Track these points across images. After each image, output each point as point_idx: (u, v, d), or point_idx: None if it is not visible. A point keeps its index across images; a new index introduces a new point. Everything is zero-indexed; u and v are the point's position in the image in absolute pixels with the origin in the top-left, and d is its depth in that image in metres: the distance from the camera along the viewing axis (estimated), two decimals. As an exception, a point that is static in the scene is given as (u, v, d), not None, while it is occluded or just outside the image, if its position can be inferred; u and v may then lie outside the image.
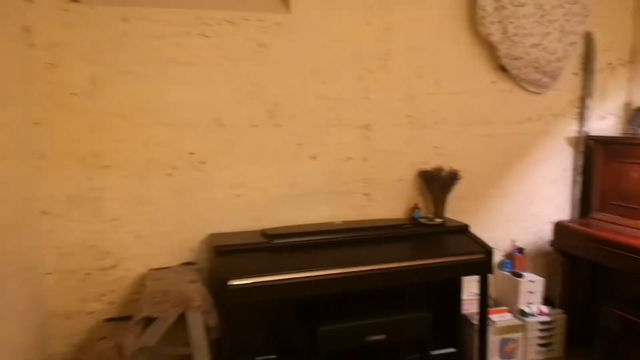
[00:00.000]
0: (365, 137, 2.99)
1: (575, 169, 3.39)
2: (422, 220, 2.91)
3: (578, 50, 3.29)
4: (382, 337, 2.47)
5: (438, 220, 2.91)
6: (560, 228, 3.13)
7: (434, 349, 2.82)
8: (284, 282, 2.35)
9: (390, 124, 3.02)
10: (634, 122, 3.15)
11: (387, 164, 3.04)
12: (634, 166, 2.91)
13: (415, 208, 3.02)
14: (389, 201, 3.06)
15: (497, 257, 3.28)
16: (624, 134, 3.30)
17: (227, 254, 2.45)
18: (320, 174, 2.91)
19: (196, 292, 2.27)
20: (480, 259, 2.67)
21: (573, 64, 3.30)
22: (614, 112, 3.44)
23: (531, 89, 3.23)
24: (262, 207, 2.82)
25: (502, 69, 3.13)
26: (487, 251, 2.69)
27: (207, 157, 2.71)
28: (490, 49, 3.08)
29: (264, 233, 2.64)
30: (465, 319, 3.02)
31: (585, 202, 3.35)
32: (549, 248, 3.24)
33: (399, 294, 2.71)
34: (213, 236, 2.67)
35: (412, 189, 3.09)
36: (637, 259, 2.57)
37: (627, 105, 3.43)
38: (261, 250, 2.51)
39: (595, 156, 3.20)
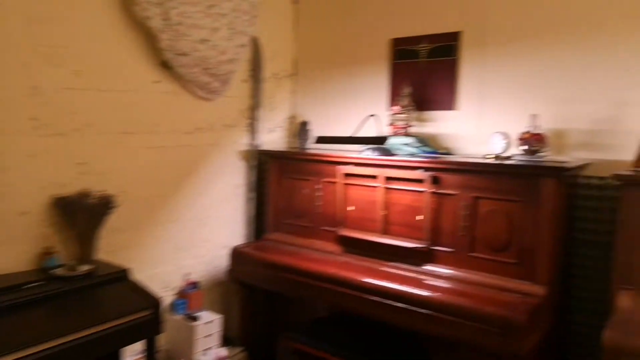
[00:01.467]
0: (-44, 149, 1.86)
1: (248, 186, 3.11)
2: (59, 272, 2.00)
3: (247, 55, 3.02)
4: None
5: (84, 267, 2.05)
6: (235, 254, 2.75)
7: None
8: None
9: (5, 128, 1.99)
10: (300, 136, 3.08)
11: (0, 189, 1.99)
12: (304, 182, 2.79)
13: (47, 254, 2.07)
14: (2, 247, 2.00)
15: (168, 298, 2.67)
16: (292, 148, 3.21)
17: None
18: None
19: None
20: (145, 318, 1.97)
21: (242, 70, 3.01)
22: (281, 125, 3.34)
23: (200, 93, 2.75)
24: None
25: (166, 65, 2.52)
26: (154, 305, 2.02)
27: None
28: (150, 37, 2.42)
29: None
30: (128, 393, 2.27)
31: (260, 221, 3.11)
32: (226, 277, 2.84)
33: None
34: None
35: (43, 225, 2.12)
36: (311, 284, 2.40)
37: (292, 118, 3.39)
38: None
39: (268, 171, 2.98)
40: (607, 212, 2.19)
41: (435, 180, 2.29)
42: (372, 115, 2.51)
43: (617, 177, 1.86)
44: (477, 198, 2.18)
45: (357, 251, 2.54)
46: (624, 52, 2.19)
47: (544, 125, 2.31)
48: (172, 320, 2.60)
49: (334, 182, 2.62)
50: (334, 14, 3.16)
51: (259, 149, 3.09)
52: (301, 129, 3.08)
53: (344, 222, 2.60)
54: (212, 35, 2.60)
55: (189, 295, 2.70)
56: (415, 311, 2.06)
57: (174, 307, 2.66)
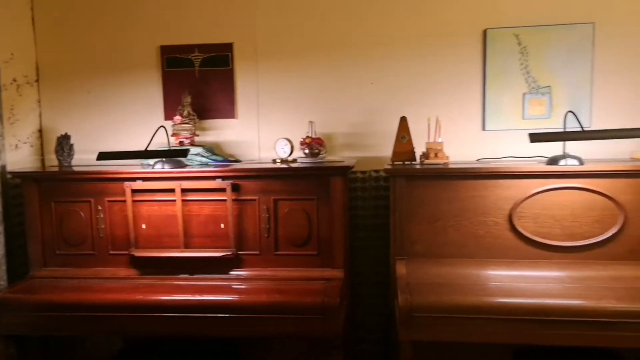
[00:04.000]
0: None
1: (-6, 217, 2.51)
2: None
3: (-24, 56, 2.43)
4: None
5: None
6: (-6, 304, 2.20)
7: None
8: None
9: None
10: (60, 153, 2.65)
11: None
12: (79, 205, 2.43)
13: None
14: None
15: None
16: (52, 167, 2.73)
17: None
18: None
19: None
20: None
21: (-29, 74, 2.41)
22: (27, 140, 2.79)
23: None
24: None
25: None
26: None
27: None
28: None
29: None
30: None
31: (18, 257, 2.55)
32: (-17, 336, 2.24)
33: None
34: None
35: None
36: (108, 317, 2.14)
37: (42, 132, 2.88)
38: None
39: (24, 197, 2.47)
40: (370, 200, 2.68)
41: (235, 188, 2.35)
42: (161, 127, 2.38)
43: (386, 171, 2.31)
44: (277, 200, 2.35)
45: (158, 271, 2.38)
46: (369, 69, 2.70)
47: (317, 131, 2.65)
48: None
49: (121, 201, 2.38)
50: (84, 10, 2.82)
51: (6, 170, 2.53)
52: (61, 144, 2.66)
53: (137, 242, 2.39)
54: None
55: None
56: (233, 318, 2.08)
57: None
